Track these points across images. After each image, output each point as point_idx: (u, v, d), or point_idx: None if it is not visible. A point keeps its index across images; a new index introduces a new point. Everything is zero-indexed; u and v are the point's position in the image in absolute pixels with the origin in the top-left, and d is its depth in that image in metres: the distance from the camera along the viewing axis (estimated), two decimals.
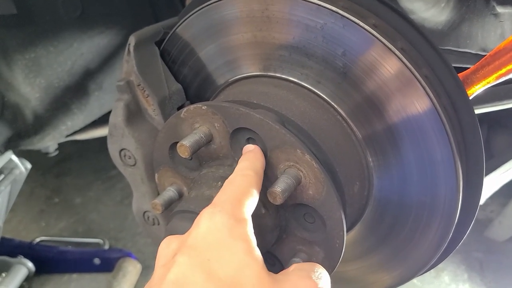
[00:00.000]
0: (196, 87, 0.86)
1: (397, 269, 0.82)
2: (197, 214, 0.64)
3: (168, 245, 0.55)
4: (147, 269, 1.90)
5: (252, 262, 0.50)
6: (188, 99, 0.87)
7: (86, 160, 2.90)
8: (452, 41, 0.92)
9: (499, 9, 0.92)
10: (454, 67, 0.75)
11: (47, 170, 2.87)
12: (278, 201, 0.61)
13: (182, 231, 0.65)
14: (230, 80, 0.81)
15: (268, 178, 0.67)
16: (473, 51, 0.93)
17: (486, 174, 1.16)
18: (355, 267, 0.87)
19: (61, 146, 1.65)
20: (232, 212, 0.54)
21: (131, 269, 1.77)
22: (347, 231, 0.81)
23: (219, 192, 0.58)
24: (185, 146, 0.66)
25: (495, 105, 0.91)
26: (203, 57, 0.82)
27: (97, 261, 1.86)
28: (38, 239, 2.13)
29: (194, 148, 0.67)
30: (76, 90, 1.48)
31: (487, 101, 0.91)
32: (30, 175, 1.45)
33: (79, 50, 1.44)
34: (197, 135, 0.68)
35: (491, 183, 1.11)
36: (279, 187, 0.61)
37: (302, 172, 0.64)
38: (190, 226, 0.64)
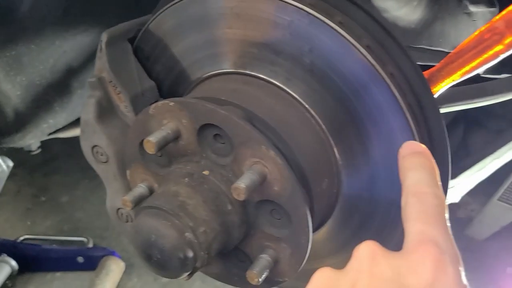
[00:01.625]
0: (169, 84, 0.86)
1: None
2: (162, 210, 0.65)
3: None
4: (131, 268, 1.89)
5: None
6: (162, 96, 0.87)
7: (74, 159, 2.88)
8: (425, 40, 0.93)
9: (472, 8, 0.93)
10: (428, 65, 0.76)
11: (35, 168, 2.85)
12: (242, 196, 0.61)
13: (148, 227, 0.65)
14: (202, 77, 0.81)
15: (234, 174, 0.68)
16: (446, 50, 0.94)
17: (462, 172, 1.17)
18: (332, 261, 0.87)
19: (49, 144, 1.65)
20: (458, 258, 0.44)
21: (114, 268, 1.77)
22: (318, 228, 0.82)
23: (433, 223, 0.47)
24: (151, 142, 0.66)
25: (467, 104, 0.92)
26: (175, 54, 0.82)
27: (80, 259, 1.86)
28: (22, 238, 2.12)
29: (161, 144, 0.67)
30: (58, 88, 1.47)
31: (459, 99, 0.92)
32: (18, 173, 1.44)
33: (62, 48, 1.43)
34: (164, 131, 0.68)
35: (467, 181, 1.12)
36: (243, 183, 0.61)
37: (267, 168, 0.64)
38: (156, 223, 0.64)
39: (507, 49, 0.60)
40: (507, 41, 0.59)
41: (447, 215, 0.50)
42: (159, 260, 0.64)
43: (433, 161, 0.56)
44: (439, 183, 0.53)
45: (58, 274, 1.93)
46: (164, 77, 0.86)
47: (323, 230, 0.83)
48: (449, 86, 0.70)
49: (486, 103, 0.94)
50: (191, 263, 0.64)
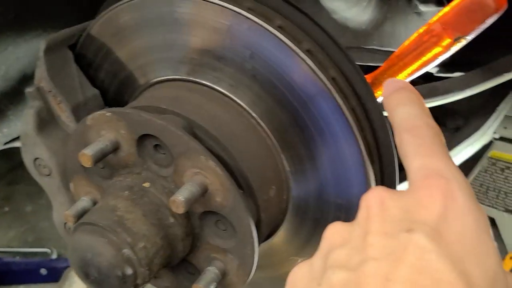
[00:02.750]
0: (113, 91, 0.83)
1: None
2: (98, 226, 0.62)
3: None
4: None
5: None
6: (107, 104, 0.84)
7: None
8: (376, 40, 0.93)
9: (422, 8, 0.93)
10: (378, 66, 0.75)
11: None
12: (181, 210, 0.59)
13: (84, 245, 0.62)
14: (147, 84, 0.78)
15: (176, 185, 0.65)
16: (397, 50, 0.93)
17: None
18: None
19: (12, 153, 1.59)
20: (466, 183, 0.42)
21: (77, 279, 1.72)
22: (270, 235, 0.80)
23: (433, 154, 0.45)
24: (86, 155, 0.63)
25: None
26: (118, 60, 0.79)
27: (43, 271, 1.81)
28: None
29: (98, 156, 0.64)
30: (12, 96, 1.42)
31: None
32: None
33: (14, 54, 1.38)
34: (102, 143, 0.65)
35: None
36: (182, 195, 0.59)
37: (208, 179, 0.62)
38: (92, 240, 0.62)
39: (445, 51, 0.59)
40: (444, 43, 0.58)
41: (444, 143, 0.48)
42: (96, 278, 0.61)
43: (417, 92, 0.53)
44: (429, 113, 0.51)
45: (21, 287, 1.87)
46: (108, 85, 0.83)
47: (280, 234, 0.81)
48: None
49: (438, 103, 0.94)
50: (131, 281, 0.62)
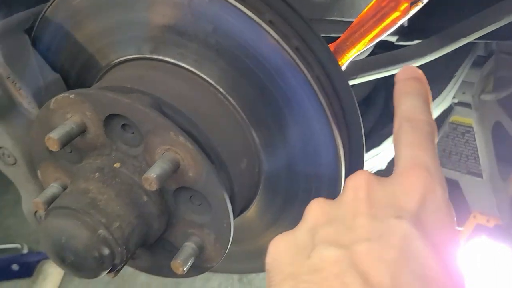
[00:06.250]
0: (75, 75, 0.81)
1: None
2: (71, 209, 0.61)
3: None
4: None
5: None
6: (70, 88, 0.82)
7: None
8: (336, 12, 0.94)
9: None
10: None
11: None
12: (154, 187, 0.59)
13: (57, 229, 0.62)
14: (109, 65, 0.77)
15: (148, 164, 0.65)
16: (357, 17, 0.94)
17: (386, 139, 1.21)
18: (270, 236, 0.85)
19: None
20: (444, 182, 0.47)
21: (51, 271, 1.70)
22: (245, 209, 0.81)
23: (425, 149, 0.48)
24: (53, 139, 0.62)
25: (380, 72, 0.94)
26: (78, 42, 0.77)
27: (15, 267, 1.76)
28: None
29: (65, 140, 0.63)
30: None
31: (372, 69, 0.94)
32: None
33: None
34: (68, 126, 0.64)
35: (391, 147, 1.16)
36: (154, 172, 0.59)
37: (179, 155, 0.62)
38: (65, 223, 0.61)
39: (403, 15, 0.61)
40: (402, 7, 0.60)
41: (436, 142, 0.52)
42: (73, 262, 0.61)
43: (428, 88, 0.56)
44: (432, 110, 0.54)
45: None
46: (69, 68, 0.81)
47: (253, 208, 0.82)
48: (356, 56, 0.71)
49: (398, 71, 0.97)
50: (109, 261, 0.62)
